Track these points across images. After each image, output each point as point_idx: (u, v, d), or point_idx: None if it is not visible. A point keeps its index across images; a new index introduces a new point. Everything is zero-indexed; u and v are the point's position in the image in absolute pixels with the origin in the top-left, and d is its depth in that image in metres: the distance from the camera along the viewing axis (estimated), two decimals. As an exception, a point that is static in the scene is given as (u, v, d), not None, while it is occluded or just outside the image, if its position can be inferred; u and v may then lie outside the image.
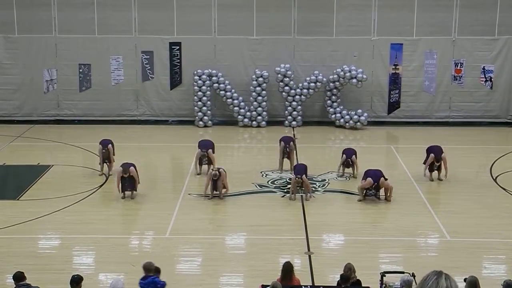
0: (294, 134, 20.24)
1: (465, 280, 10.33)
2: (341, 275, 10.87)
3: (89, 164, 20.35)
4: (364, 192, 17.28)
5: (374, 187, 17.17)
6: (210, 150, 19.10)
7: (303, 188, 17.43)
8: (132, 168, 17.34)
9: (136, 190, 17.45)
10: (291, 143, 19.63)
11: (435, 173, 18.86)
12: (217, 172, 17.28)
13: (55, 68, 25.70)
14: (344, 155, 19.03)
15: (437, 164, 18.78)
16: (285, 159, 19.50)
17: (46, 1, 25.16)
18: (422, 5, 25.06)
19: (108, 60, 25.58)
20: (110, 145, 19.15)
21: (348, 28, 25.35)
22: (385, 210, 16.92)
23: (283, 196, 17.78)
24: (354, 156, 19.05)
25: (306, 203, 17.09)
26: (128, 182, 17.38)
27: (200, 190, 18.02)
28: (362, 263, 12.72)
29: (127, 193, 17.43)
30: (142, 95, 25.93)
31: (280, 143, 19.67)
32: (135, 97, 25.95)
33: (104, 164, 19.19)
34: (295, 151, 20.02)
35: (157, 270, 11.38)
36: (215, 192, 17.34)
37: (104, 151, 19.07)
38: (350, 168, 19.21)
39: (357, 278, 11.09)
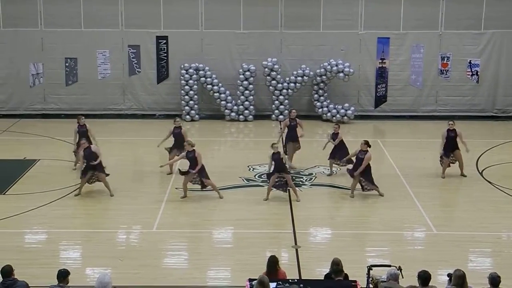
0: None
1: (448, 275, 10.37)
2: (333, 270, 10.78)
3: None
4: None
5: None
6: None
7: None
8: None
9: (103, 172, 17.12)
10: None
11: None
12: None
13: (41, 62, 25.57)
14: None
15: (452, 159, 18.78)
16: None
17: (32, -6, 25.07)
18: (409, -1, 25.17)
19: (94, 54, 25.48)
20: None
21: (335, 22, 25.36)
22: (372, 204, 16.97)
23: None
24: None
25: (293, 197, 17.08)
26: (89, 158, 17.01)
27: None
28: (348, 256, 12.76)
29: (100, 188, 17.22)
30: (128, 89, 25.86)
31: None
32: (122, 91, 25.88)
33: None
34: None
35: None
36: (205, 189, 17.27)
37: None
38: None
39: (344, 272, 11.07)
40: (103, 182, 17.24)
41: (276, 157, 16.87)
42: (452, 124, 18.59)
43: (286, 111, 25.19)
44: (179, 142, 18.50)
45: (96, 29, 25.27)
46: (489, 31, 25.39)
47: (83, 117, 19.37)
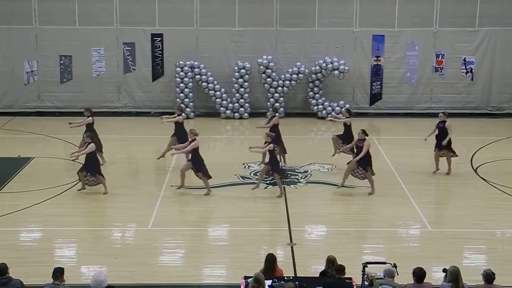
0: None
1: (443, 270, 10.41)
2: (336, 269, 10.74)
3: (71, 156, 20.25)
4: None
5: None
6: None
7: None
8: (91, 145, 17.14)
9: (90, 173, 17.11)
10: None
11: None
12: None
13: (35, 59, 25.51)
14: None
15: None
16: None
17: (26, -8, 24.99)
18: (403, -3, 25.18)
19: (89, 51, 25.43)
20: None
21: (330, 20, 25.38)
22: (367, 201, 16.99)
23: (265, 188, 17.81)
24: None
25: (289, 195, 17.10)
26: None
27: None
28: (344, 254, 12.79)
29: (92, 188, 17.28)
30: (124, 87, 25.83)
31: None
32: (117, 89, 25.85)
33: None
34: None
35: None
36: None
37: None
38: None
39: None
40: (101, 181, 17.22)
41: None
42: (441, 116, 18.71)
43: (282, 109, 25.21)
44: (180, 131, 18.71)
45: (91, 26, 25.22)
46: (483, 29, 25.43)
47: (86, 111, 19.39)
